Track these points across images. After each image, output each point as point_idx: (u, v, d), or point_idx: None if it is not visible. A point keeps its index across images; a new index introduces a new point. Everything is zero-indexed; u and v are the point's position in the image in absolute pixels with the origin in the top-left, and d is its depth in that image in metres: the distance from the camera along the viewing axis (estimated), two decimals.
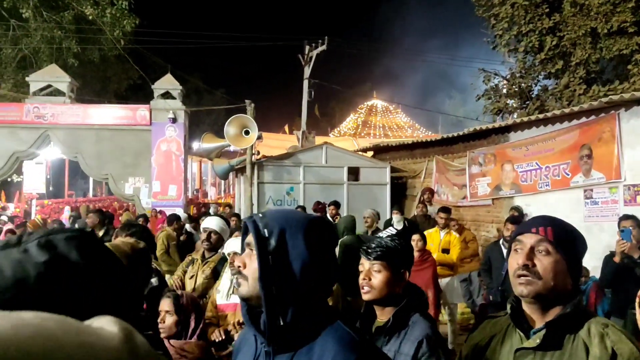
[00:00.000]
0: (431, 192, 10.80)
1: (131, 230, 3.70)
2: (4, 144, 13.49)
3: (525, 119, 9.05)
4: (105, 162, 13.98)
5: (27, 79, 14.31)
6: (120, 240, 1.77)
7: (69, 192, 21.94)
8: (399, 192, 12.84)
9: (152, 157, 14.07)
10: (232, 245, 3.46)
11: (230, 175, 14.76)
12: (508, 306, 1.72)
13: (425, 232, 6.66)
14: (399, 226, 7.95)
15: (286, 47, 32.77)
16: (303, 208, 9.86)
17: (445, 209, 7.34)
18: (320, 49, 17.25)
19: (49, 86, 14.00)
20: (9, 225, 8.52)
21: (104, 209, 13.67)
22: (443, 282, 6.58)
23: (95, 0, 15.62)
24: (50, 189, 19.03)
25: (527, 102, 12.91)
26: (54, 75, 14.08)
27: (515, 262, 1.66)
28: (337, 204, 9.62)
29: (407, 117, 42.30)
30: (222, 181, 22.67)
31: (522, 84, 12.91)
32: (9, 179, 16.88)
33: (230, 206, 14.99)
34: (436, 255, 6.59)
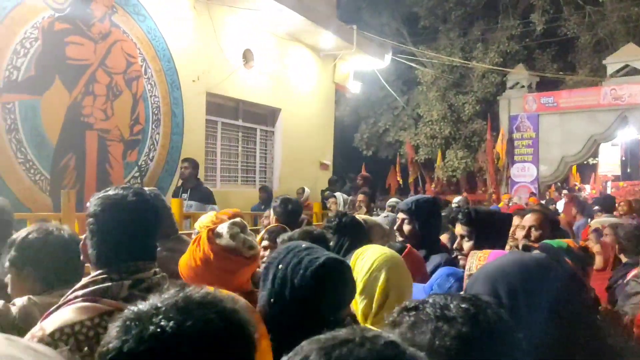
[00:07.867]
0: None
1: None
2: (582, 127, 14.35)
3: None
4: None
5: (603, 62, 14.64)
6: None
7: None
8: None
9: None
10: None
11: None
12: None
13: None
14: None
15: None
16: None
17: None
18: None
19: (626, 66, 13.90)
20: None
21: None
22: None
23: None
24: (628, 170, 18.70)
25: None
26: (631, 54, 13.88)
27: None
28: None
29: None
30: None
31: None
32: (585, 162, 17.68)
33: None
34: None
